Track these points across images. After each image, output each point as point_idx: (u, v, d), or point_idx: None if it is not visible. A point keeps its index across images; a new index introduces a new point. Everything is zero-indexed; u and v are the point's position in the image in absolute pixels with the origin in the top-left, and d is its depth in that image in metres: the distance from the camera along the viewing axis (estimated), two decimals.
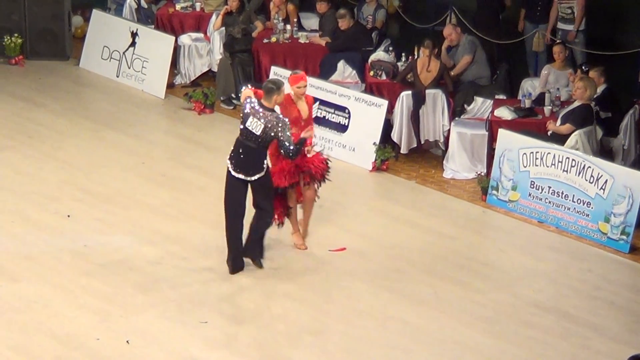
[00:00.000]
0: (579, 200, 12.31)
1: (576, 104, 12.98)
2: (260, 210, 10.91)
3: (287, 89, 11.03)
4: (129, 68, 17.00)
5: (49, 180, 13.20)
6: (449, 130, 14.04)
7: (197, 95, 15.82)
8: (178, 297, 10.53)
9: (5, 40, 17.47)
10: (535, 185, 12.67)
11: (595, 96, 13.07)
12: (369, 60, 15.13)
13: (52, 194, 12.76)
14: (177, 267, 11.14)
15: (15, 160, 13.76)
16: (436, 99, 14.18)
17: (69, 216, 12.19)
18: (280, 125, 10.59)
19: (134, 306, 10.32)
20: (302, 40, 16.28)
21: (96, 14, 17.78)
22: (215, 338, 9.85)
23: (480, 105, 14.24)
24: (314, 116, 13.98)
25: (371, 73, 14.96)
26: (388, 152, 13.96)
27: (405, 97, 14.16)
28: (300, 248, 11.54)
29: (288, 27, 16.50)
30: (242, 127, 10.76)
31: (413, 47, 14.82)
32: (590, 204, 12.21)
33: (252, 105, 10.71)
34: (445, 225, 12.50)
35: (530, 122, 13.42)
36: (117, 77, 17.14)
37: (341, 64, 15.45)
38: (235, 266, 10.96)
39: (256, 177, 10.72)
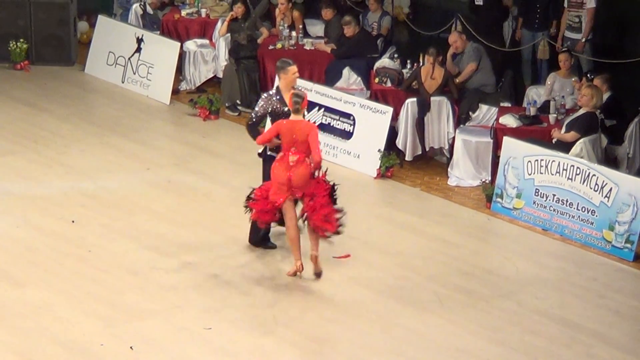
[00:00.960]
0: (583, 208, 12.30)
1: (581, 111, 12.99)
2: None
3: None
4: (134, 74, 17.01)
5: (54, 185, 13.21)
6: (453, 137, 14.04)
7: (202, 101, 15.83)
8: (182, 304, 10.53)
9: (11, 45, 17.49)
10: (539, 193, 12.66)
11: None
12: (374, 67, 15.14)
13: (57, 200, 12.77)
14: (182, 273, 11.14)
15: (20, 165, 13.77)
16: (441, 106, 14.19)
17: (73, 221, 12.20)
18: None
19: (138, 312, 10.32)
20: (307, 47, 16.29)
21: (102, 19, 17.80)
22: (219, 345, 9.84)
23: (485, 113, 14.23)
24: (318, 123, 14.06)
25: (376, 80, 14.96)
26: (393, 159, 13.96)
27: (410, 105, 14.17)
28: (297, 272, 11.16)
29: (293, 33, 16.51)
30: None
31: (418, 54, 14.83)
32: (594, 212, 12.20)
33: None
34: (450, 232, 12.49)
35: (535, 130, 13.42)
36: (123, 82, 17.15)
37: (346, 71, 15.46)
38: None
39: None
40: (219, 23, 16.83)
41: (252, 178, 11.63)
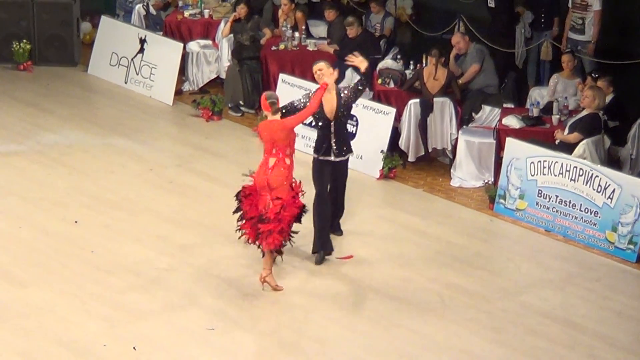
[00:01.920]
0: (586, 210, 12.30)
1: (584, 112, 12.98)
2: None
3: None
4: (137, 74, 17.03)
5: (57, 186, 13.22)
6: (456, 138, 14.04)
7: (205, 102, 15.84)
8: (185, 304, 10.53)
9: (14, 46, 17.52)
10: (542, 194, 12.66)
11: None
12: (377, 68, 15.13)
13: (60, 200, 12.78)
14: (184, 273, 11.15)
15: (23, 166, 13.78)
16: (444, 107, 14.19)
17: (76, 222, 12.21)
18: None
19: (141, 312, 10.33)
20: (310, 48, 16.30)
21: (105, 20, 17.82)
22: (222, 345, 9.85)
23: (488, 114, 14.24)
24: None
25: (379, 81, 14.96)
26: (395, 160, 13.96)
27: (413, 105, 14.17)
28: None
29: (296, 34, 16.53)
30: None
31: (421, 55, 14.83)
32: (597, 213, 12.19)
33: None
34: (453, 233, 12.49)
35: (538, 131, 13.41)
36: (125, 83, 17.16)
37: (349, 72, 15.44)
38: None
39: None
40: (222, 24, 16.83)
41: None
